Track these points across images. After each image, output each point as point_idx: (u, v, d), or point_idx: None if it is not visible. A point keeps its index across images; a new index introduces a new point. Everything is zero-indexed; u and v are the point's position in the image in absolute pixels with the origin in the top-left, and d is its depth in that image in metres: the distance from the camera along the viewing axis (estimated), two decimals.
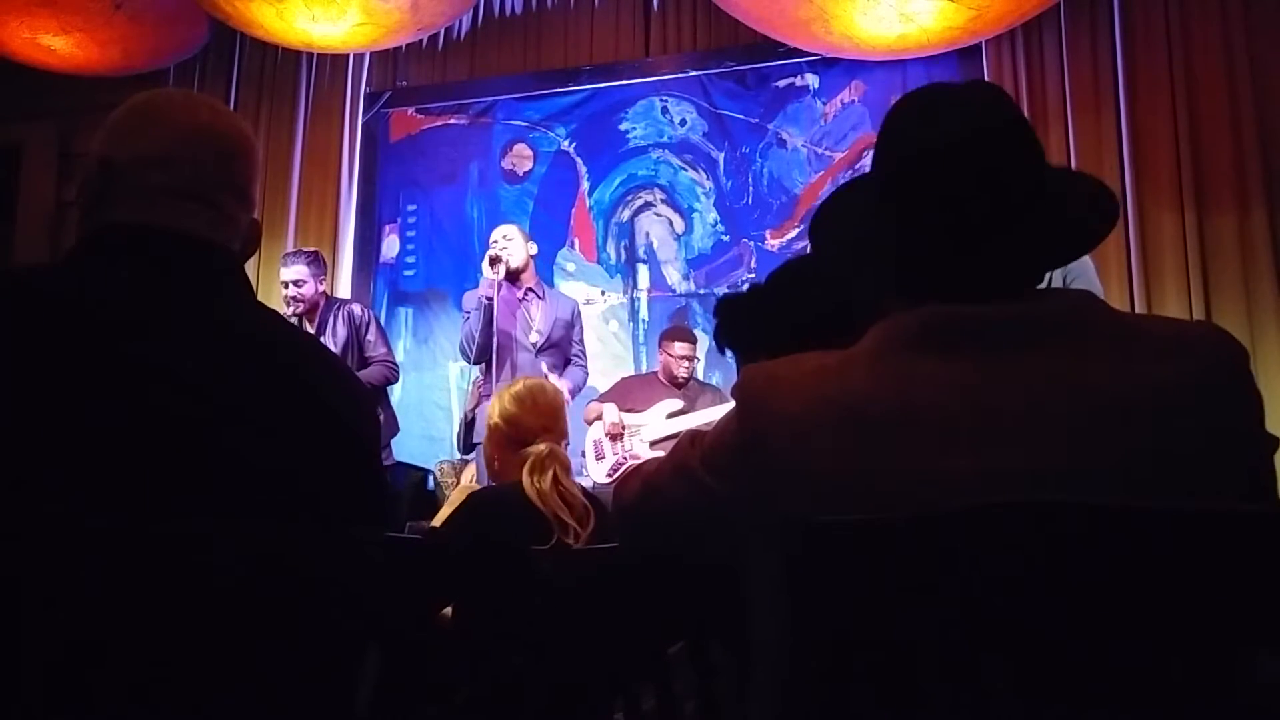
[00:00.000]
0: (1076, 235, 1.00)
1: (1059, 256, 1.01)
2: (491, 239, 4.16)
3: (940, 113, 0.94)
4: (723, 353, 1.39)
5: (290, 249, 5.82)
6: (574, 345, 4.26)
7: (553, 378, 4.03)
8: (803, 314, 1.27)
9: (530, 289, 4.16)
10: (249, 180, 1.14)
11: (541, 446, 2.13)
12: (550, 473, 2.09)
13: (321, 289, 4.27)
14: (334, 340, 4.18)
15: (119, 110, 1.10)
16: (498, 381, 3.85)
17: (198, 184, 1.07)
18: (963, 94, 0.95)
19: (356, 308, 4.35)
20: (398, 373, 4.34)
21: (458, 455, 4.63)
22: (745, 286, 1.40)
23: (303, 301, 4.18)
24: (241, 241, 1.13)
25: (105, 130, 1.09)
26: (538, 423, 2.21)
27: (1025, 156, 0.93)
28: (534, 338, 4.05)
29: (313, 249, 4.61)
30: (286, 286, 4.21)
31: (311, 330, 4.19)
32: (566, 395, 4.15)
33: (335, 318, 4.23)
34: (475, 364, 3.94)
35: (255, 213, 1.17)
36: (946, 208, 0.91)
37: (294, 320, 4.20)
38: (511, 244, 4.08)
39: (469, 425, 4.11)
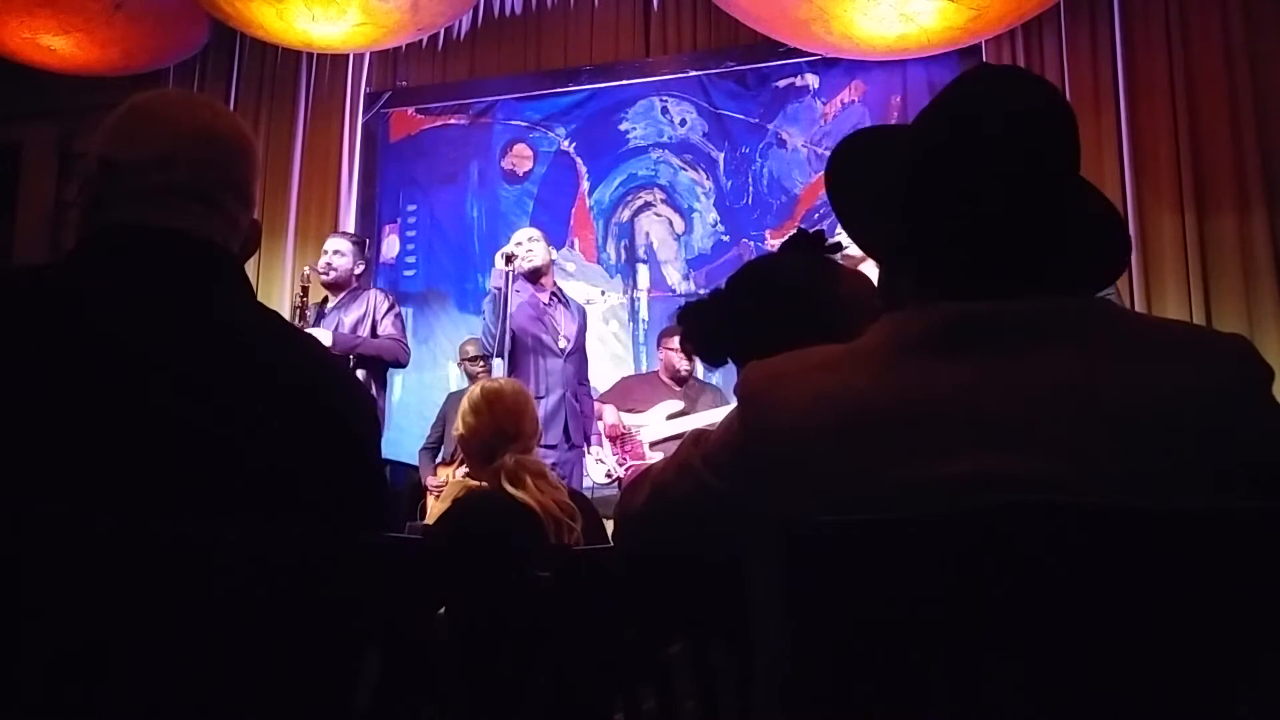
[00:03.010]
0: (1106, 263, 0.99)
1: (1089, 278, 0.99)
2: (514, 240, 4.17)
3: (988, 104, 0.91)
4: (690, 359, 1.40)
5: (293, 249, 5.85)
6: (584, 360, 4.27)
7: None
8: (767, 317, 1.27)
9: (554, 294, 4.17)
10: (249, 180, 1.13)
11: (508, 460, 2.07)
12: (528, 481, 2.05)
13: (356, 271, 4.40)
14: (349, 315, 4.24)
15: (119, 110, 1.10)
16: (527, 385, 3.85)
17: (198, 185, 1.07)
18: (1017, 88, 0.92)
19: (379, 293, 4.45)
20: (408, 355, 4.38)
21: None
22: (707, 292, 1.40)
23: (334, 270, 4.33)
24: (241, 242, 1.13)
25: (105, 130, 1.09)
26: (496, 434, 2.13)
27: (1066, 165, 0.92)
28: (563, 343, 4.07)
29: (361, 236, 4.96)
30: (325, 254, 4.40)
31: (334, 303, 4.31)
32: (594, 436, 4.19)
33: (358, 297, 4.33)
34: (498, 356, 3.95)
35: (255, 213, 1.17)
36: (972, 200, 0.89)
37: (322, 289, 4.43)
38: (535, 244, 4.10)
39: None
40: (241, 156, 1.12)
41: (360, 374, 4.09)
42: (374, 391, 4.20)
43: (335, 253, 4.36)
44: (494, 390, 2.25)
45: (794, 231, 1.41)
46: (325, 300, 4.40)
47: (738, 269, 1.40)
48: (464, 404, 2.24)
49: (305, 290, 4.41)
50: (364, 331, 4.22)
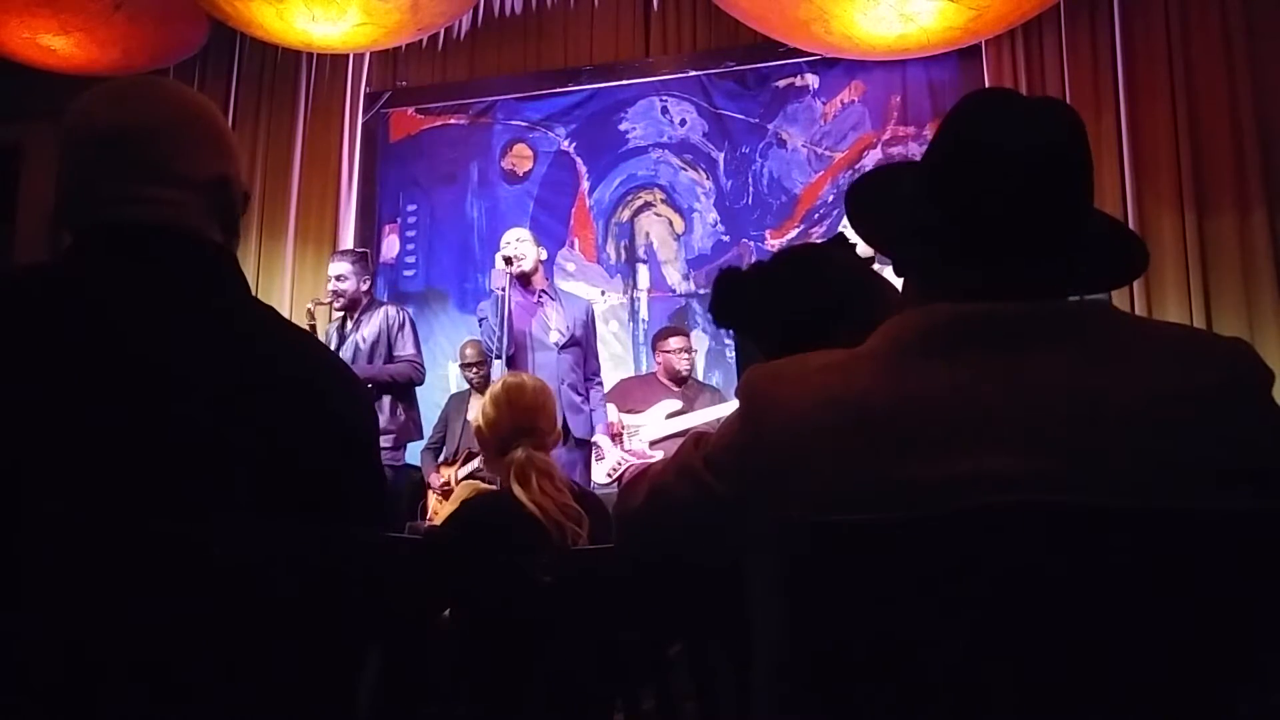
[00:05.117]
0: (1108, 270, 1.01)
1: (1086, 282, 1.00)
2: (504, 241, 4.17)
3: (1007, 113, 0.93)
4: (717, 326, 1.38)
5: (293, 249, 5.85)
6: (592, 356, 4.25)
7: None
8: (815, 302, 1.27)
9: (543, 291, 4.17)
10: (173, 157, 1.07)
11: (519, 453, 2.10)
12: (533, 480, 2.06)
13: (364, 288, 4.44)
14: (365, 337, 4.29)
15: (60, 127, 1.09)
16: None
17: (130, 188, 1.05)
18: (1035, 105, 0.94)
19: (393, 309, 4.48)
20: (423, 374, 4.43)
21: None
22: (748, 264, 1.38)
23: (343, 296, 4.39)
24: (219, 217, 1.10)
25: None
26: (513, 426, 2.16)
27: (1077, 181, 0.93)
28: (554, 336, 4.06)
29: (361, 249, 4.98)
30: (329, 281, 4.46)
31: (351, 324, 4.36)
32: (601, 427, 4.18)
33: (371, 316, 4.36)
34: (499, 358, 3.95)
35: (223, 169, 1.11)
36: (985, 202, 0.90)
37: (335, 314, 4.51)
38: (523, 245, 4.10)
39: None
40: (152, 140, 1.07)
41: (386, 399, 4.18)
42: (400, 410, 4.27)
43: (338, 278, 4.40)
44: (516, 385, 2.27)
45: (839, 233, 1.41)
46: (345, 321, 4.43)
47: (788, 249, 1.39)
48: (485, 397, 2.26)
49: (313, 329, 4.49)
50: (381, 352, 4.28)
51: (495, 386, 2.28)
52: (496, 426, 2.18)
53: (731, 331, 1.39)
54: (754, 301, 1.31)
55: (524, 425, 2.17)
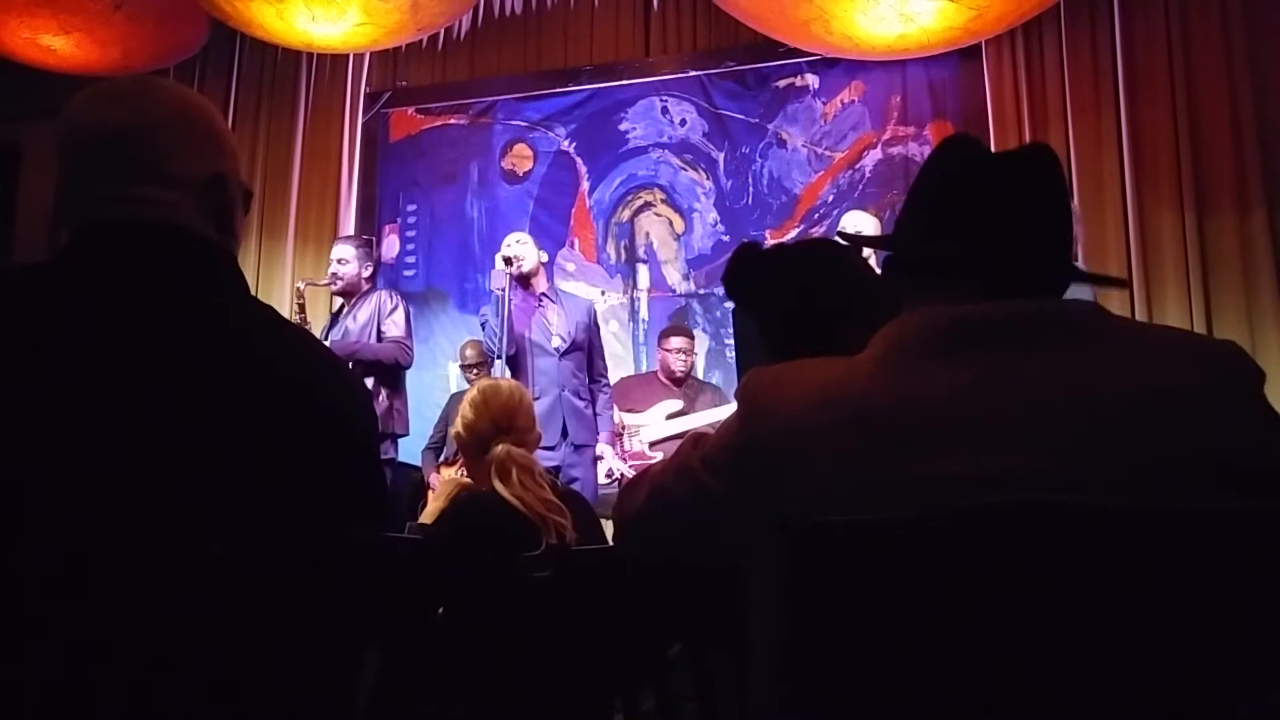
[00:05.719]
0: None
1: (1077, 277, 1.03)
2: (504, 244, 4.16)
3: (989, 151, 0.98)
4: (726, 295, 1.39)
5: (293, 249, 5.86)
6: (597, 357, 4.24)
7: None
8: (825, 294, 1.27)
9: (544, 294, 4.16)
10: (175, 154, 1.07)
11: (499, 449, 2.13)
12: (513, 475, 2.08)
13: (365, 275, 4.42)
14: (358, 318, 4.28)
15: (57, 127, 1.08)
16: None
17: (134, 185, 1.05)
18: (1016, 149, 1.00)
19: (385, 293, 4.46)
20: (410, 356, 4.37)
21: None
22: (769, 244, 1.39)
23: (341, 279, 4.37)
24: (216, 216, 1.09)
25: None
26: (492, 426, 2.20)
27: (1065, 197, 0.97)
28: (556, 342, 4.05)
29: (366, 236, 5.04)
30: (331, 263, 4.46)
31: (347, 308, 4.35)
32: (604, 434, 4.16)
33: (365, 300, 4.35)
34: (499, 358, 3.93)
35: (220, 168, 1.10)
36: (981, 205, 0.93)
37: (334, 296, 4.52)
38: (524, 248, 4.09)
39: None
40: (149, 140, 1.07)
41: (369, 382, 4.12)
42: (383, 397, 4.21)
43: (339, 261, 4.38)
44: (491, 387, 2.32)
45: (838, 232, 1.42)
46: (342, 308, 4.42)
47: (804, 239, 1.40)
48: (463, 402, 2.29)
49: (302, 307, 4.47)
50: (370, 332, 4.23)
51: (471, 391, 2.32)
52: (475, 428, 2.22)
53: (733, 310, 1.39)
54: (765, 279, 1.32)
55: (502, 424, 2.21)
